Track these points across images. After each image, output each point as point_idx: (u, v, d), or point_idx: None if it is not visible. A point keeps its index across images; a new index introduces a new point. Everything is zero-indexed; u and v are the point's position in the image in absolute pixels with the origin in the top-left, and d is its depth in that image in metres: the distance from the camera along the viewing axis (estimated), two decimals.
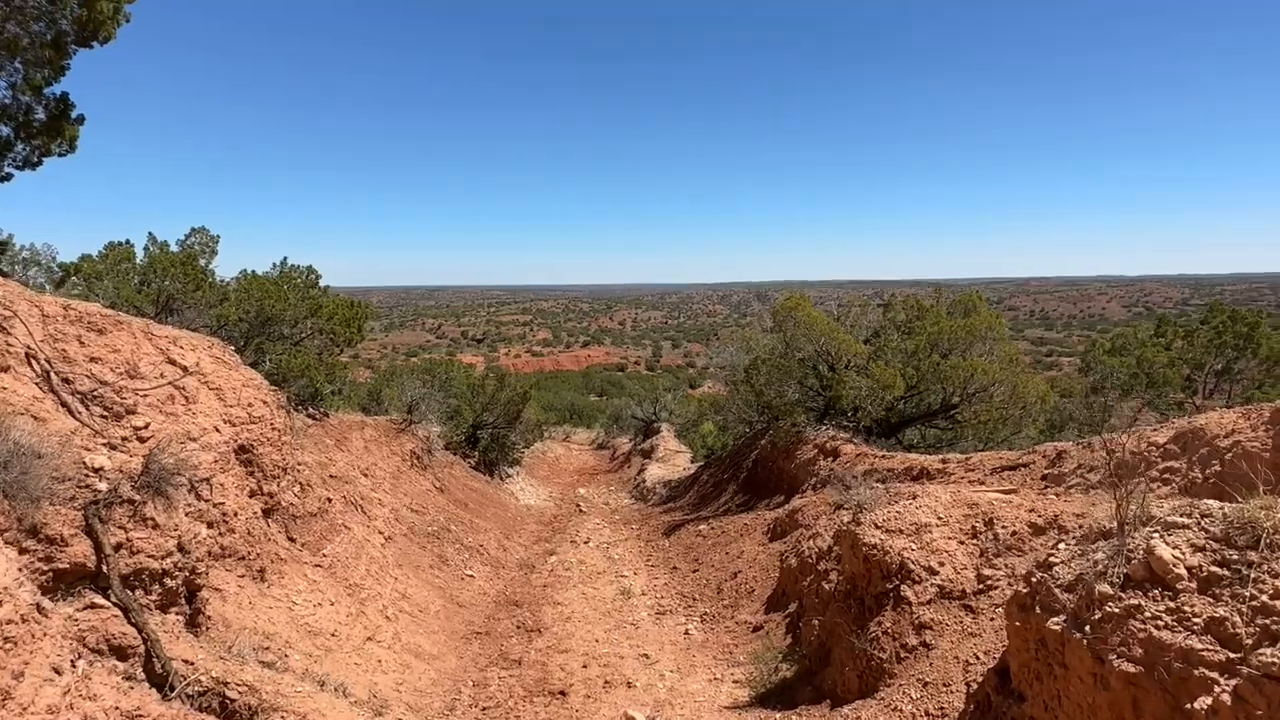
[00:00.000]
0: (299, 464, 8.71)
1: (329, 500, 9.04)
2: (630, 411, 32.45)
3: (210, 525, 6.19)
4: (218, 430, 6.94)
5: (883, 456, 11.37)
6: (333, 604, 7.29)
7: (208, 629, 5.67)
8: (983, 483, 8.20)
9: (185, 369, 7.02)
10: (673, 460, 23.58)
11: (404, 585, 9.11)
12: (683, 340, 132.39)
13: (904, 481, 9.37)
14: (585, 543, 13.92)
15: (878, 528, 6.32)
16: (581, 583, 11.09)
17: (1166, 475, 5.98)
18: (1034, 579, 3.95)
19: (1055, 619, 3.58)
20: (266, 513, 7.45)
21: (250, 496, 7.19)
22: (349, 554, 8.57)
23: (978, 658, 5.11)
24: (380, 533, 10.07)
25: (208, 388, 7.20)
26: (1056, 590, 3.69)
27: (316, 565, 7.82)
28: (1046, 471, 7.68)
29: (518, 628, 9.06)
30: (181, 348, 7.30)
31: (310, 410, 12.76)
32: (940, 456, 10.22)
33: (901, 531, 6.14)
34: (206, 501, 6.22)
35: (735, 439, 19.57)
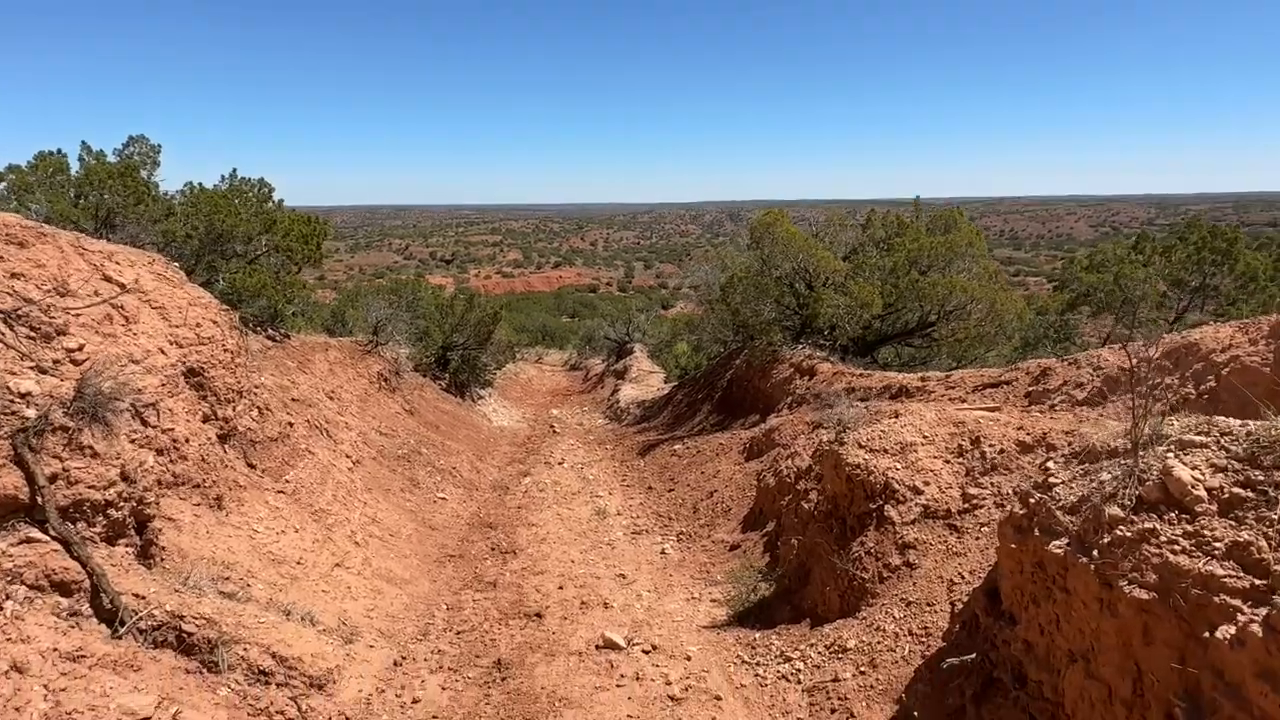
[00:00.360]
0: (257, 387, 8.28)
1: (291, 424, 8.67)
2: (603, 332, 32.15)
3: (159, 452, 5.82)
4: (163, 352, 6.46)
5: (860, 375, 11.23)
6: (297, 531, 7.03)
7: (161, 561, 5.37)
8: (964, 401, 8.07)
9: (123, 286, 6.47)
10: (646, 381, 23.44)
11: (373, 510, 8.88)
12: (655, 261, 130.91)
13: (883, 400, 9.23)
14: (559, 463, 13.79)
15: (861, 447, 6.16)
16: (556, 504, 10.98)
17: (1156, 392, 5.83)
18: (1032, 500, 3.77)
19: (1057, 542, 3.40)
20: (222, 438, 7.07)
21: (203, 422, 6.79)
22: (314, 479, 8.28)
23: (962, 577, 5.02)
24: (347, 456, 9.77)
25: (150, 306, 6.67)
26: (1058, 512, 3.51)
27: (279, 491, 7.52)
28: (1030, 389, 7.54)
29: (492, 550, 8.93)
30: (118, 263, 6.71)
31: (270, 332, 12.22)
32: (919, 374, 10.08)
33: (886, 451, 5.98)
34: (154, 428, 5.82)
35: (709, 359, 19.40)
